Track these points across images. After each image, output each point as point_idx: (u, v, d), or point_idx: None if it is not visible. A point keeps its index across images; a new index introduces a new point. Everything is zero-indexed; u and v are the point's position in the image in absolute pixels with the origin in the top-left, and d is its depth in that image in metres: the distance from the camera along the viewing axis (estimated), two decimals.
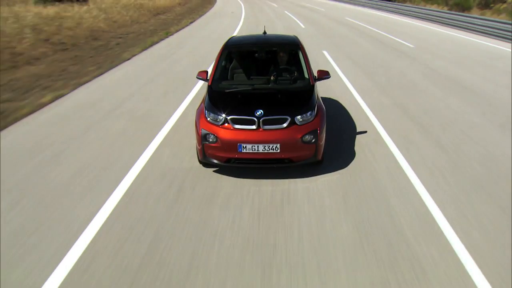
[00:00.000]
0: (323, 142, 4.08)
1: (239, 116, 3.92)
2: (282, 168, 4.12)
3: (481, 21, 16.20)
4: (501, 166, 4.33)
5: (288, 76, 4.80)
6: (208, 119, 4.01)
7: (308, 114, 4.01)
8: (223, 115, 3.93)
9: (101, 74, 8.15)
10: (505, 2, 21.52)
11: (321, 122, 4.06)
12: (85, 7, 16.04)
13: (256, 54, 5.06)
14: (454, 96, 6.93)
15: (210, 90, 4.43)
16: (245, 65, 5.02)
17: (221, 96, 4.36)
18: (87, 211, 3.37)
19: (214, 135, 3.86)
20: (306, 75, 4.73)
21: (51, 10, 13.42)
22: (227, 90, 4.40)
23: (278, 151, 3.79)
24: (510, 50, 11.92)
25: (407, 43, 12.72)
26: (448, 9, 22.63)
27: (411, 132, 5.26)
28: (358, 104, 6.38)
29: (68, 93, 6.73)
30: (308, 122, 3.95)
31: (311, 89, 4.42)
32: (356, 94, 6.92)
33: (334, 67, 8.94)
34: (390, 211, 3.44)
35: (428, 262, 2.79)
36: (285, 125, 3.88)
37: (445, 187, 3.87)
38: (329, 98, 6.50)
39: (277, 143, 3.78)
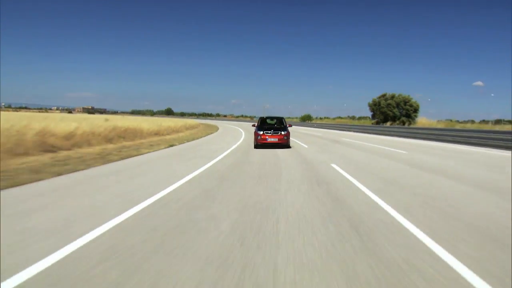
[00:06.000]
0: (289, 140, 14.76)
1: (266, 130, 14.34)
2: (280, 147, 13.99)
3: None
4: None
5: (281, 125, 15.54)
6: (258, 131, 14.33)
7: (286, 131, 14.61)
8: (262, 131, 14.29)
9: None
10: None
11: (289, 134, 14.67)
12: None
13: (269, 120, 16.44)
14: None
15: (257, 127, 14.77)
16: (267, 123, 16.21)
17: (261, 127, 14.65)
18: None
19: (260, 136, 14.17)
20: (285, 125, 15.57)
21: None
22: (263, 127, 14.78)
23: (278, 141, 14.16)
24: None
25: None
26: None
27: None
28: None
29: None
30: (286, 133, 14.51)
31: (287, 129, 14.89)
32: None
33: None
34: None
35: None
36: (282, 132, 14.44)
37: None
38: None
39: (279, 137, 14.22)
